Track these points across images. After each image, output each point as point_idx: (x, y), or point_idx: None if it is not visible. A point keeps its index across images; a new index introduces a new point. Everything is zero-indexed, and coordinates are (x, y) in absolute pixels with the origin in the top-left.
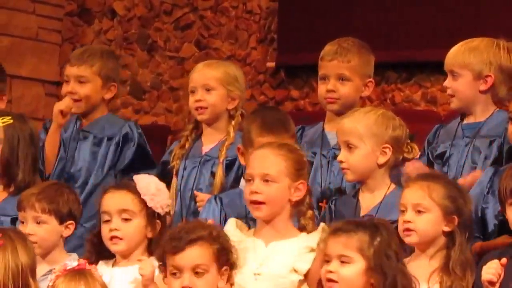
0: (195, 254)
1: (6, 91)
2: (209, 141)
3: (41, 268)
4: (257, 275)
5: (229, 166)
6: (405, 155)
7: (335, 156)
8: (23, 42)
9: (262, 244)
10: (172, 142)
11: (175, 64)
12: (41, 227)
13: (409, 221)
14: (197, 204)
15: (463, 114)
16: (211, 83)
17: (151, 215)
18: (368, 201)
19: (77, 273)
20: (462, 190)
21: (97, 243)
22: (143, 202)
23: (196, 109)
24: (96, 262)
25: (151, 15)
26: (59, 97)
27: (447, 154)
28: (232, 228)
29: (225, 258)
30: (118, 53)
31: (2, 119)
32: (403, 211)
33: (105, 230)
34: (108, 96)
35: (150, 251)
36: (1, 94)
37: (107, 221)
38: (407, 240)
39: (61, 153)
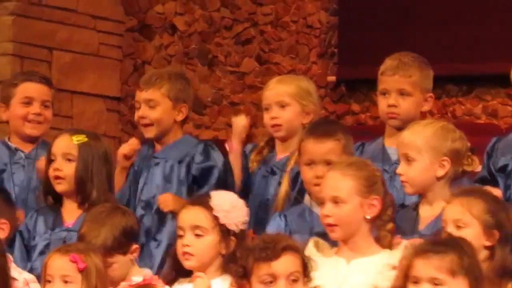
0: (290, 261)
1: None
2: (283, 152)
3: None
4: None
5: (296, 177)
6: (465, 167)
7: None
8: (84, 58)
9: (343, 262)
10: None
11: (235, 79)
12: (111, 268)
13: None
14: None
15: None
16: (285, 99)
17: (225, 232)
18: (427, 214)
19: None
20: (505, 204)
21: (178, 259)
22: (217, 219)
23: (272, 126)
24: (177, 278)
25: (212, 30)
26: (120, 113)
27: (510, 166)
28: (312, 249)
29: (307, 269)
30: (178, 68)
31: (77, 137)
32: (444, 227)
33: (178, 245)
34: (179, 117)
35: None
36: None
37: (181, 236)
38: None
39: (130, 180)
